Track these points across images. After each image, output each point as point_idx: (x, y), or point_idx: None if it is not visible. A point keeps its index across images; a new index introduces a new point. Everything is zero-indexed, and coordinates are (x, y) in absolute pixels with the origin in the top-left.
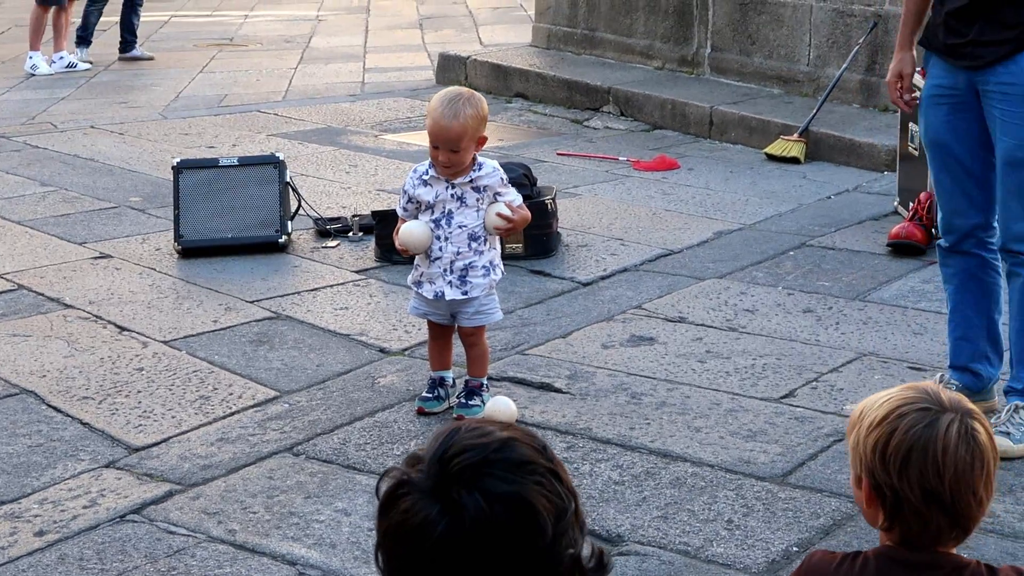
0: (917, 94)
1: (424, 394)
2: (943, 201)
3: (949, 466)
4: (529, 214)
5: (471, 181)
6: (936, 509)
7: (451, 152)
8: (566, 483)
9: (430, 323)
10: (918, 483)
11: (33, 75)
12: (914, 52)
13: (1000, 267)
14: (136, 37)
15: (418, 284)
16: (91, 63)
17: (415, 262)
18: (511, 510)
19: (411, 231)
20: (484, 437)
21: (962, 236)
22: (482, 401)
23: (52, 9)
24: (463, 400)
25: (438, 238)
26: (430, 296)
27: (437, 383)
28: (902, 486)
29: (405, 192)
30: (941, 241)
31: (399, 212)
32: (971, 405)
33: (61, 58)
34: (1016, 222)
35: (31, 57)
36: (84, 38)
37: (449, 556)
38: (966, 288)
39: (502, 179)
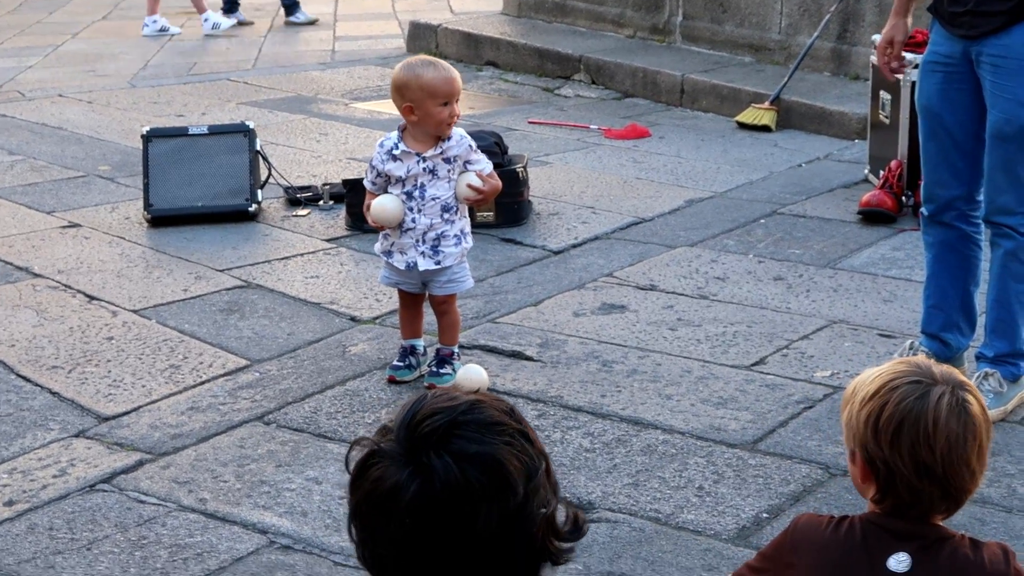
0: (910, 59)
1: (395, 362)
2: (927, 170)
3: (941, 438)
4: (500, 183)
5: (441, 153)
6: (928, 481)
7: (455, 104)
8: (536, 444)
9: (401, 292)
10: (910, 455)
11: (217, 32)
12: (909, 20)
13: (981, 240)
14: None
15: (388, 254)
16: (251, 22)
17: (384, 232)
18: (481, 470)
19: (384, 206)
20: (451, 401)
21: (942, 207)
22: (453, 369)
23: None
24: (434, 368)
25: (410, 210)
26: (402, 267)
27: (408, 351)
28: (894, 458)
29: (373, 167)
30: (923, 208)
31: (367, 186)
32: (963, 378)
33: (155, 21)
34: (1001, 195)
35: (206, 19)
36: (234, 1)
37: (422, 519)
38: (944, 259)
39: (470, 146)
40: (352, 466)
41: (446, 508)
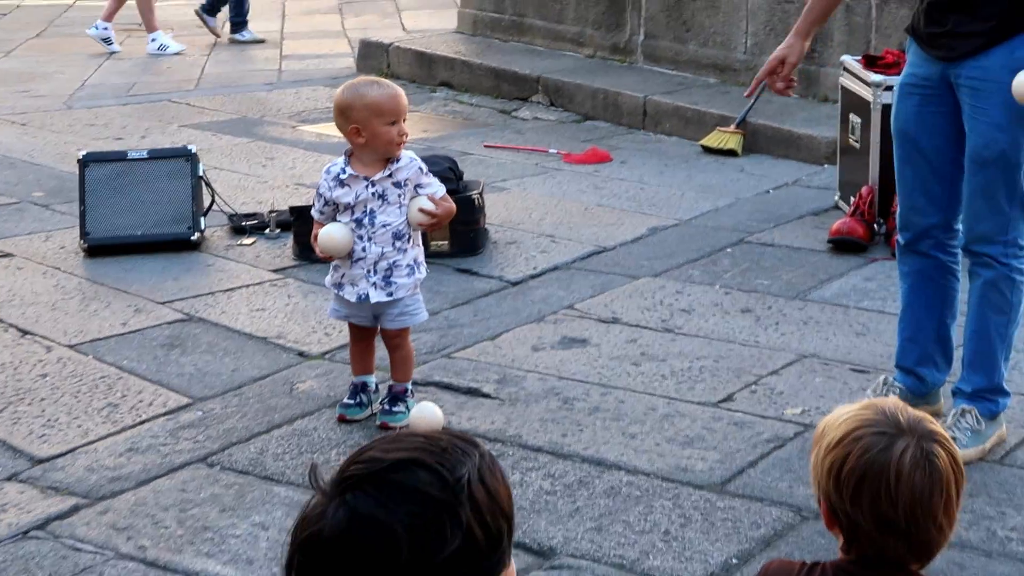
0: (879, 80)
1: (346, 400)
2: (903, 196)
3: (904, 493)
4: (454, 206)
5: (390, 175)
6: (892, 536)
7: (403, 122)
8: (464, 522)
9: (351, 326)
10: (870, 510)
11: (162, 54)
12: (806, 44)
13: (959, 270)
14: (246, 18)
15: (338, 286)
16: (262, 39)
17: (334, 263)
18: (370, 532)
19: (331, 235)
20: (389, 453)
21: (919, 235)
22: (407, 407)
23: None
24: (387, 406)
25: (360, 238)
26: (352, 299)
27: (359, 388)
28: (855, 513)
29: (320, 196)
30: (898, 237)
31: (315, 216)
32: (933, 426)
33: (153, 40)
34: (981, 222)
35: (153, 39)
36: (242, 22)
37: (308, 554)
38: (919, 289)
39: (420, 168)
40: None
41: (331, 553)
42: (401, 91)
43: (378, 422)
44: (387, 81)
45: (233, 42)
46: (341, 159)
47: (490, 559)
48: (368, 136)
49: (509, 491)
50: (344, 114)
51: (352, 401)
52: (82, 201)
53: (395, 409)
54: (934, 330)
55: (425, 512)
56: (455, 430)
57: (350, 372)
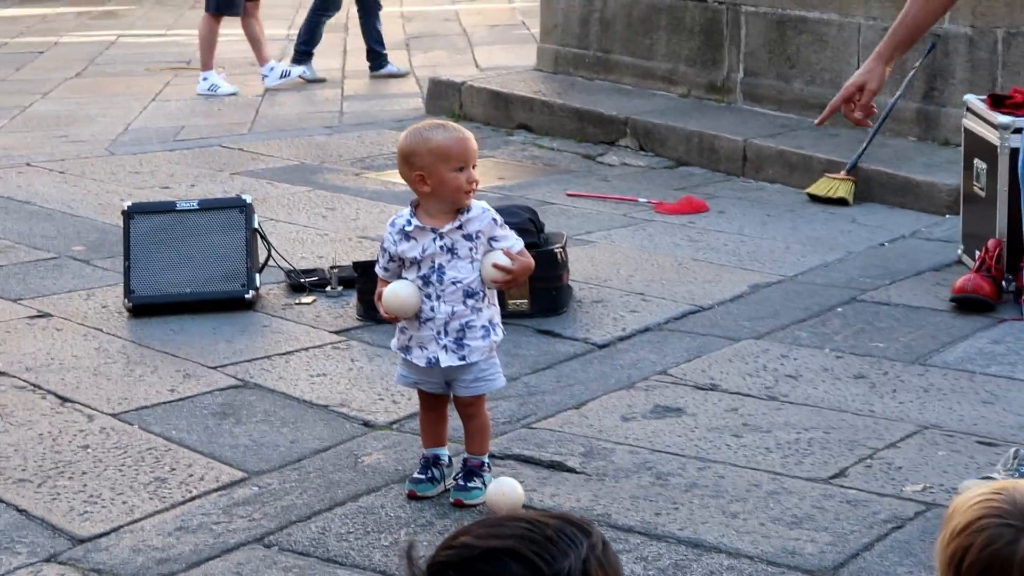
0: (1007, 123)
1: (416, 475)
2: None
3: None
4: (532, 262)
5: (460, 227)
6: None
7: (473, 168)
8: None
9: (421, 393)
10: None
11: (212, 95)
12: (888, 69)
13: None
14: (385, 48)
15: (406, 350)
16: (323, 79)
17: (400, 325)
18: None
19: (397, 293)
20: (484, 539)
21: None
22: (483, 483)
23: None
24: (461, 482)
25: (428, 297)
26: (422, 363)
27: (431, 462)
28: None
29: (385, 251)
30: None
31: (379, 273)
32: None
33: (272, 69)
34: None
35: (205, 78)
36: (307, 52)
37: None
38: None
39: (495, 220)
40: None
41: None
42: (470, 134)
43: (451, 499)
44: (454, 124)
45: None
46: (407, 210)
47: None
48: (434, 184)
49: None
50: (408, 160)
51: (423, 476)
52: (126, 256)
53: (471, 485)
54: None
55: None
56: (569, 513)
57: (420, 444)
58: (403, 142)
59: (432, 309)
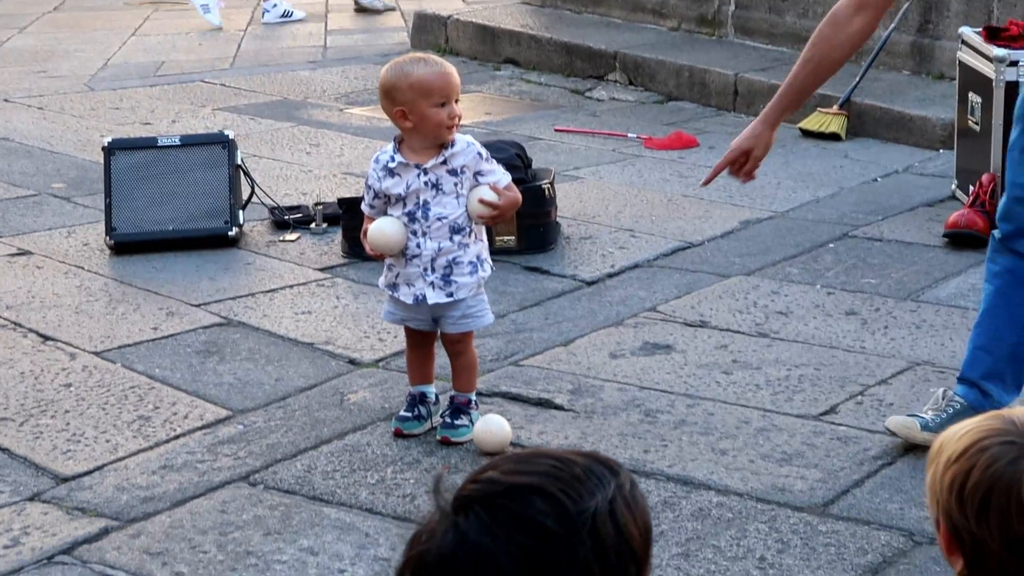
0: (1002, 56)
1: (402, 412)
2: (1011, 183)
3: None
4: (519, 196)
5: (444, 162)
6: (1022, 560)
7: (456, 103)
8: (581, 560)
9: (408, 330)
10: (999, 528)
11: (287, 21)
12: (774, 134)
13: None
14: None
15: (393, 287)
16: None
17: (387, 262)
18: (476, 559)
19: (382, 230)
20: (511, 475)
21: (1019, 231)
22: (471, 420)
23: None
24: (448, 420)
25: (414, 234)
26: (409, 300)
27: (417, 400)
28: (981, 531)
29: (370, 188)
30: (995, 231)
31: (365, 210)
32: None
33: (275, 6)
34: None
35: (275, 5)
36: None
37: (421, 574)
38: (1007, 294)
39: (479, 154)
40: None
41: (435, 574)
42: (452, 69)
43: (439, 436)
44: (436, 57)
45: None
46: (390, 146)
47: None
48: (415, 119)
49: (647, 528)
50: (389, 95)
51: (409, 414)
52: (107, 193)
53: (457, 423)
54: (1011, 344)
55: (536, 545)
56: (597, 452)
57: (407, 382)
58: (384, 76)
59: (418, 246)
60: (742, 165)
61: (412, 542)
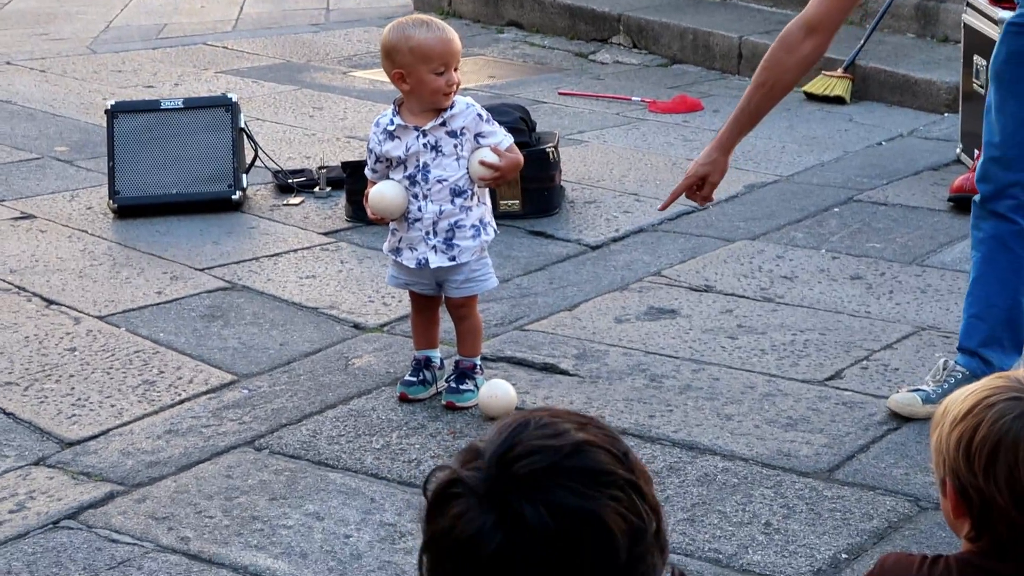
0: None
1: (407, 377)
2: (987, 144)
3: None
4: (520, 158)
5: (443, 124)
6: None
7: (455, 70)
8: (648, 498)
9: (412, 295)
10: (1007, 483)
11: None
12: (729, 159)
13: None
14: None
15: (396, 251)
16: None
17: (391, 226)
18: (581, 528)
19: (382, 194)
20: (555, 438)
21: (998, 191)
22: (476, 385)
23: None
24: (453, 384)
25: (415, 197)
26: (412, 265)
27: (422, 364)
28: (989, 488)
29: (371, 151)
30: (976, 196)
31: (367, 174)
32: None
33: None
34: None
35: None
36: None
37: (504, 574)
38: (993, 259)
39: (479, 116)
40: (428, 489)
41: (534, 567)
42: (454, 35)
43: (444, 401)
44: (439, 22)
45: None
46: (390, 108)
47: (661, 537)
48: (413, 83)
49: None
50: (389, 56)
51: (414, 378)
52: (111, 157)
53: (463, 387)
54: (1005, 308)
55: (622, 496)
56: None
57: (412, 346)
58: (386, 37)
59: (419, 209)
60: (699, 189)
61: (462, 546)
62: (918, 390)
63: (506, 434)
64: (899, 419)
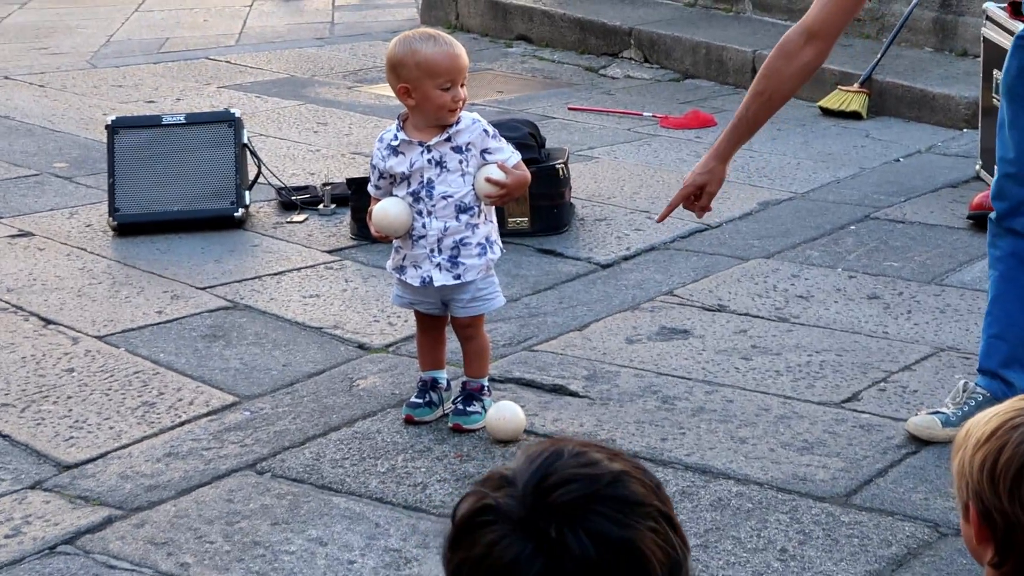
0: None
1: (413, 399)
2: (1001, 160)
3: None
4: (527, 175)
5: (448, 139)
6: None
7: (462, 86)
8: (680, 531)
9: (418, 314)
10: None
11: None
12: (728, 168)
13: None
14: None
15: (400, 270)
16: None
17: (395, 244)
18: (621, 557)
19: (386, 211)
20: (593, 467)
21: (1014, 208)
22: (483, 407)
23: None
24: (460, 406)
25: (419, 214)
26: (416, 283)
27: (429, 386)
28: (1014, 510)
29: (374, 167)
30: (991, 213)
31: (371, 191)
32: None
33: None
34: None
35: None
36: None
37: None
38: (1012, 278)
39: (485, 131)
40: (457, 515)
41: None
42: (462, 50)
43: (450, 424)
44: (447, 36)
45: None
46: (394, 124)
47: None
48: (418, 98)
49: None
50: (394, 70)
51: (420, 400)
52: (111, 173)
53: (470, 409)
54: None
55: (659, 527)
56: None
57: (418, 367)
58: (392, 50)
59: (424, 226)
60: (696, 199)
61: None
62: (937, 412)
63: (540, 462)
64: (918, 442)
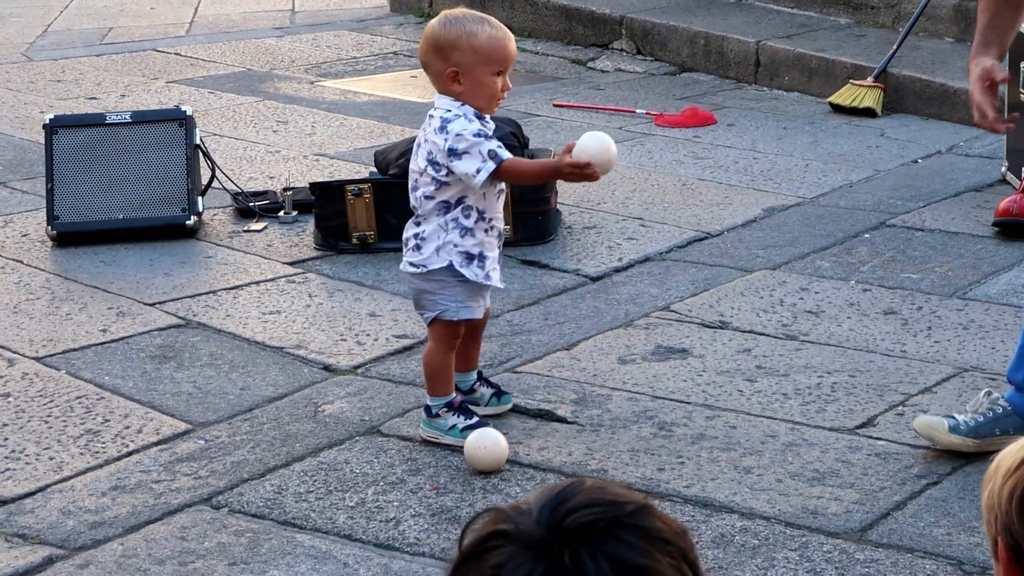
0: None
1: (467, 422)
2: None
3: None
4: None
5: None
6: None
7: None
8: (692, 561)
9: (470, 323)
10: None
11: None
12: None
13: None
14: None
15: (488, 276)
16: None
17: (472, 249)
18: None
19: (606, 144)
20: (614, 496)
21: None
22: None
23: None
24: (495, 399)
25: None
26: (501, 285)
27: (466, 401)
28: None
29: (484, 136)
30: None
31: (505, 154)
32: None
33: None
34: None
35: None
36: None
37: None
38: None
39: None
40: (466, 539)
41: None
42: (512, 36)
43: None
44: (495, 20)
45: None
46: (454, 102)
47: None
48: (468, 85)
49: None
50: (443, 52)
51: (474, 420)
52: (49, 177)
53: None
54: None
55: (680, 567)
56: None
57: (425, 391)
58: (440, 32)
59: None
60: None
61: None
62: (949, 416)
63: (558, 490)
64: (939, 472)
